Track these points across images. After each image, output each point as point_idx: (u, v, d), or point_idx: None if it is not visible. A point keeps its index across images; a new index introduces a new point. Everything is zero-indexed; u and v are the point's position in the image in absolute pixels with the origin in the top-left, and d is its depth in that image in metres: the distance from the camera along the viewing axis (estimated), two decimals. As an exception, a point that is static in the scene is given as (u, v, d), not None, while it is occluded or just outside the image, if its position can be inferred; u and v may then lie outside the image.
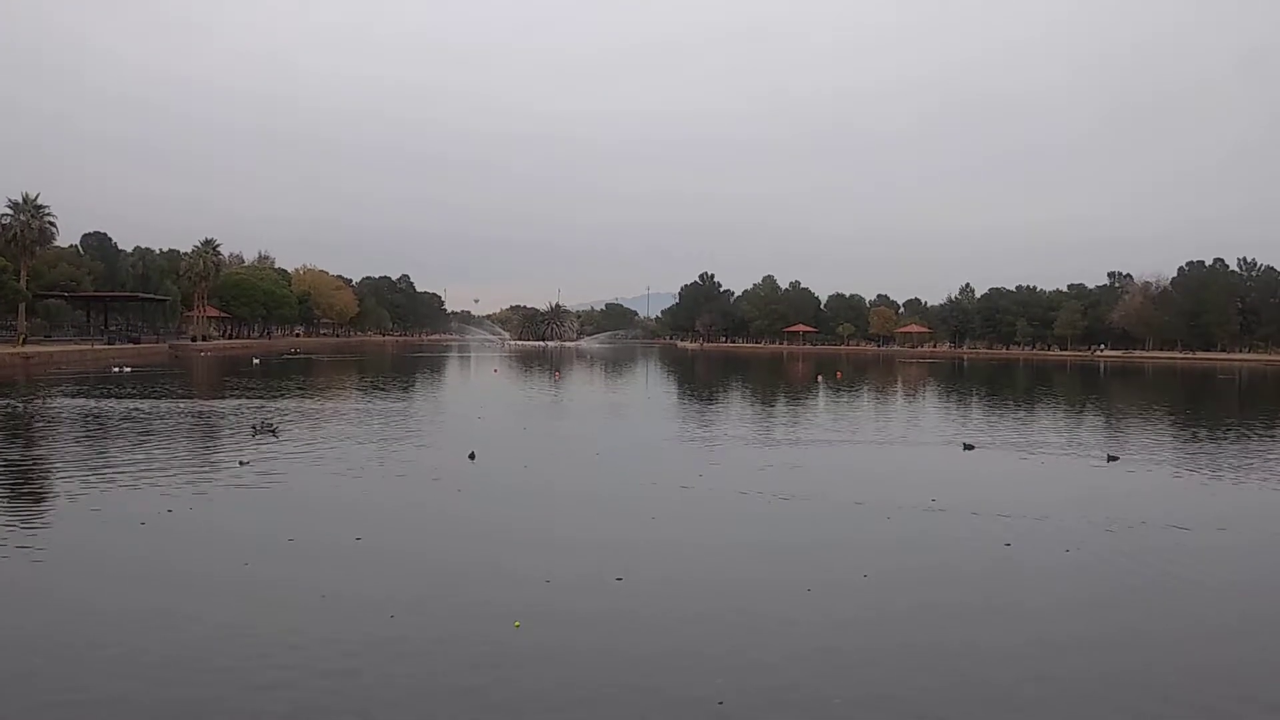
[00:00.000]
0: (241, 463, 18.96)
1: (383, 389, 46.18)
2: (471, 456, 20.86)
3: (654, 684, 7.91)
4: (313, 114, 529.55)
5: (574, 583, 10.89)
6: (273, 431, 24.15)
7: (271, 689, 7.64)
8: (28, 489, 16.60)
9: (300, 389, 43.28)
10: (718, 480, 18.55)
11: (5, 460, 19.27)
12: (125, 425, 25.63)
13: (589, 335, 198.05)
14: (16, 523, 13.46)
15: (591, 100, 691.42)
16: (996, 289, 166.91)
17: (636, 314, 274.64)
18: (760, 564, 12.07)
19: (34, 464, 19.49)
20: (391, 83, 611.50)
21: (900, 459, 22.76)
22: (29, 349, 68.04)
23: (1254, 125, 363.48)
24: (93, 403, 32.28)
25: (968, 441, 25.25)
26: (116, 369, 52.00)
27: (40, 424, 26.32)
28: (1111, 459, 22.42)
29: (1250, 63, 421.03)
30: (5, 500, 15.20)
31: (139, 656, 8.29)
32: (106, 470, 18.00)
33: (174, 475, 17.48)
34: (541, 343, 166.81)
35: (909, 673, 8.26)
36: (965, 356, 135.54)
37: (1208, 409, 43.76)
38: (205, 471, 18.10)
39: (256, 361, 70.44)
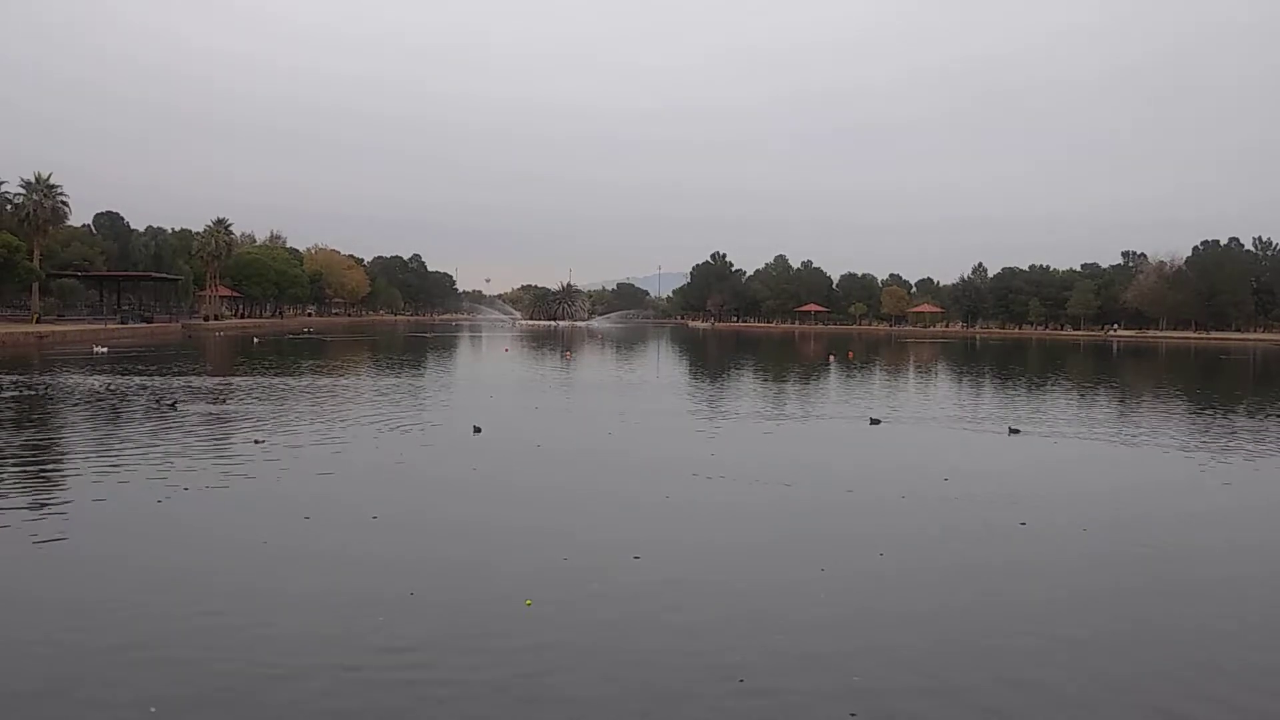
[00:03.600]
0: (257, 441, 19.04)
1: (395, 368, 46.29)
2: (477, 430, 21.20)
3: (675, 661, 7.93)
4: (324, 92, 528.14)
5: (592, 561, 10.92)
6: (173, 406, 24.93)
7: (289, 671, 7.68)
8: (42, 466, 16.66)
9: (310, 369, 43.38)
10: (730, 458, 18.54)
11: (15, 441, 19.36)
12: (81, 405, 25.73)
13: (600, 315, 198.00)
14: (33, 503, 13.53)
15: (601, 86, 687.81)
16: (1009, 268, 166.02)
17: (648, 294, 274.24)
18: (775, 542, 12.07)
19: (44, 443, 19.59)
20: (401, 68, 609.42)
21: (912, 437, 22.70)
22: (42, 328, 68.41)
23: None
24: (68, 381, 32.41)
25: (874, 416, 25.85)
26: (98, 348, 51.82)
27: (49, 403, 26.43)
28: (1014, 431, 23.12)
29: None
30: (18, 481, 15.24)
31: (156, 635, 8.34)
32: (119, 449, 18.07)
33: (189, 454, 17.55)
34: (553, 322, 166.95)
35: (928, 648, 8.25)
36: (977, 336, 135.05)
37: (1220, 389, 43.63)
38: (220, 450, 18.17)
39: (256, 341, 70.92)
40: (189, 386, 31.03)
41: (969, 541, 12.26)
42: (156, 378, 34.43)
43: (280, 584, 9.85)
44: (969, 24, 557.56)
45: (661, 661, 7.93)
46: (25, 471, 15.88)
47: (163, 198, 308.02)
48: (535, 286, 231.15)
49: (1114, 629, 8.93)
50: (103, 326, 75.63)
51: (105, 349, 51.57)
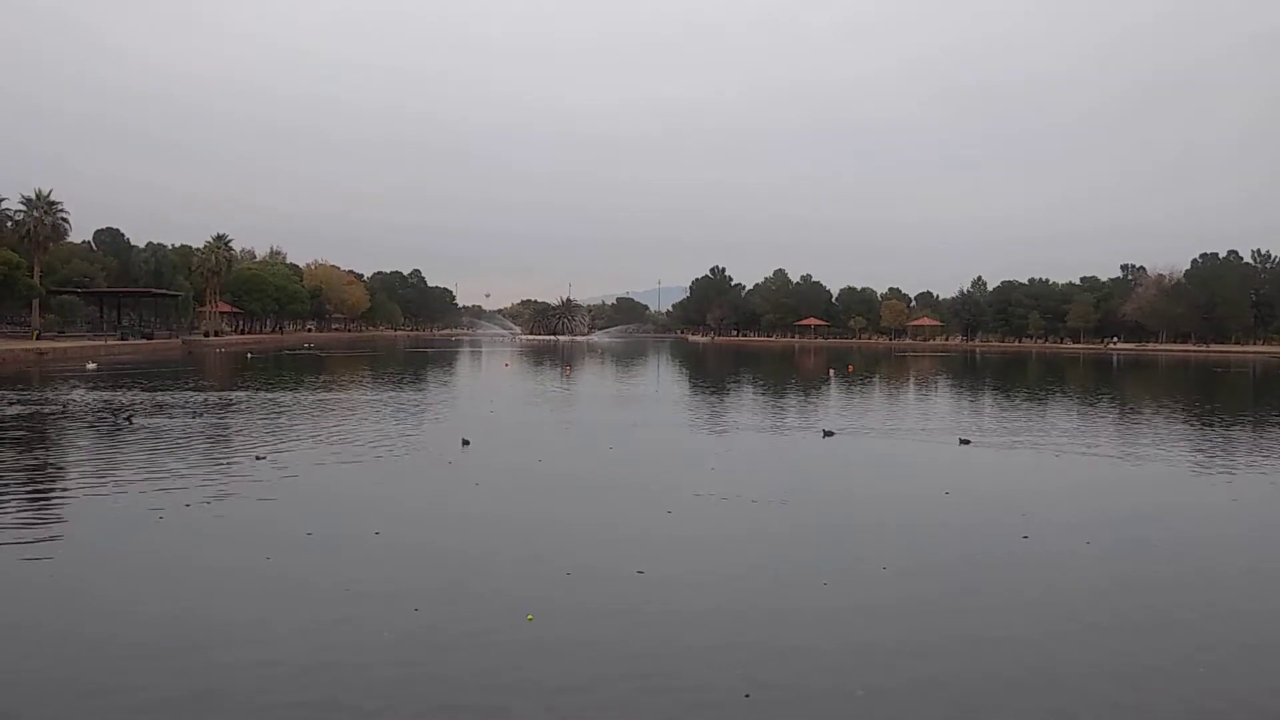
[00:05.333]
0: (258, 457, 19.02)
1: (395, 384, 46.29)
2: (465, 443, 21.54)
3: (681, 676, 7.90)
4: (322, 106, 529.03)
5: (596, 575, 10.91)
6: (129, 419, 25.36)
7: (289, 684, 7.67)
8: (39, 483, 16.65)
9: (307, 384, 43.40)
10: (731, 472, 18.54)
11: (14, 456, 19.34)
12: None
13: (600, 329, 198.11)
14: (33, 518, 13.54)
15: (600, 94, 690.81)
16: (1009, 282, 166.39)
17: (647, 308, 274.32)
18: (778, 556, 12.05)
19: (43, 458, 19.58)
20: (399, 76, 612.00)
21: (912, 451, 22.67)
22: (43, 344, 68.43)
23: (1265, 109, 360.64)
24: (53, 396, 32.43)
25: (827, 429, 26.01)
26: (90, 365, 52.01)
27: (47, 420, 26.42)
28: (964, 442, 23.40)
29: (1261, 45, 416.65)
30: (18, 496, 15.22)
31: (162, 650, 8.31)
32: (119, 464, 18.06)
33: (189, 470, 17.54)
34: (553, 337, 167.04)
35: (931, 663, 8.23)
36: (977, 349, 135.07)
37: (1215, 402, 43.62)
38: (221, 466, 18.16)
39: (250, 356, 71.33)
40: (166, 402, 31.04)
41: (972, 556, 12.22)
42: (131, 393, 34.65)
43: (283, 598, 9.82)
44: (959, 14, 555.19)
45: (667, 676, 7.90)
46: (17, 487, 15.85)
47: (163, 214, 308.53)
48: (535, 301, 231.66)
49: (1125, 648, 8.88)
50: (103, 343, 75.67)
51: (95, 365, 51.65)
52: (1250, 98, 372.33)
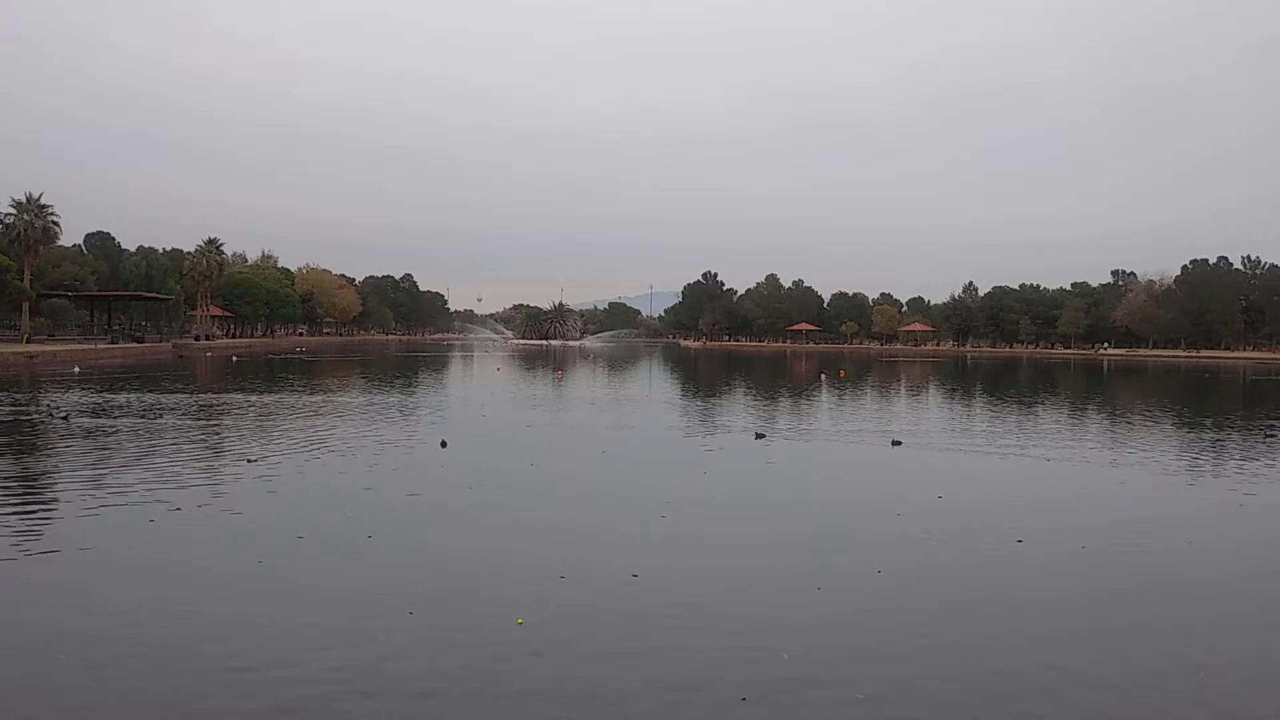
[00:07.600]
0: (249, 460, 18.94)
1: (386, 388, 46.18)
2: (443, 444, 21.59)
3: (677, 679, 7.87)
4: (313, 109, 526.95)
5: (590, 580, 10.85)
6: (65, 418, 26.04)
7: (285, 689, 7.61)
8: (30, 488, 16.54)
9: (292, 388, 43.27)
10: (724, 477, 18.54)
11: (4, 462, 19.23)
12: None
13: (592, 334, 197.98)
14: (23, 522, 13.43)
15: (592, 97, 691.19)
16: (1000, 287, 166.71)
17: (640, 313, 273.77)
18: (772, 561, 12.03)
19: (32, 463, 19.46)
20: (392, 79, 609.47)
21: (904, 455, 22.68)
22: (33, 348, 68.11)
23: (1259, 119, 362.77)
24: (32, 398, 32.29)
25: (759, 431, 26.33)
26: (76, 369, 52.15)
27: (35, 425, 26.30)
28: (895, 443, 23.81)
29: (1255, 55, 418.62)
30: (9, 501, 15.11)
31: (156, 653, 8.25)
32: (110, 468, 17.96)
33: (181, 474, 17.45)
34: (545, 341, 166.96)
35: (928, 666, 8.21)
36: (968, 355, 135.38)
37: (1201, 407, 43.79)
38: (212, 469, 18.07)
39: (235, 359, 71.86)
40: (116, 404, 30.93)
41: (965, 559, 12.22)
42: (99, 395, 34.69)
43: (275, 601, 9.76)
44: (950, 22, 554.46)
45: (663, 680, 7.86)
46: (5, 492, 15.75)
47: (154, 217, 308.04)
48: (527, 306, 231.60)
49: (1122, 654, 8.87)
50: (93, 346, 75.34)
51: (79, 369, 51.66)
52: (1248, 108, 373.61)
